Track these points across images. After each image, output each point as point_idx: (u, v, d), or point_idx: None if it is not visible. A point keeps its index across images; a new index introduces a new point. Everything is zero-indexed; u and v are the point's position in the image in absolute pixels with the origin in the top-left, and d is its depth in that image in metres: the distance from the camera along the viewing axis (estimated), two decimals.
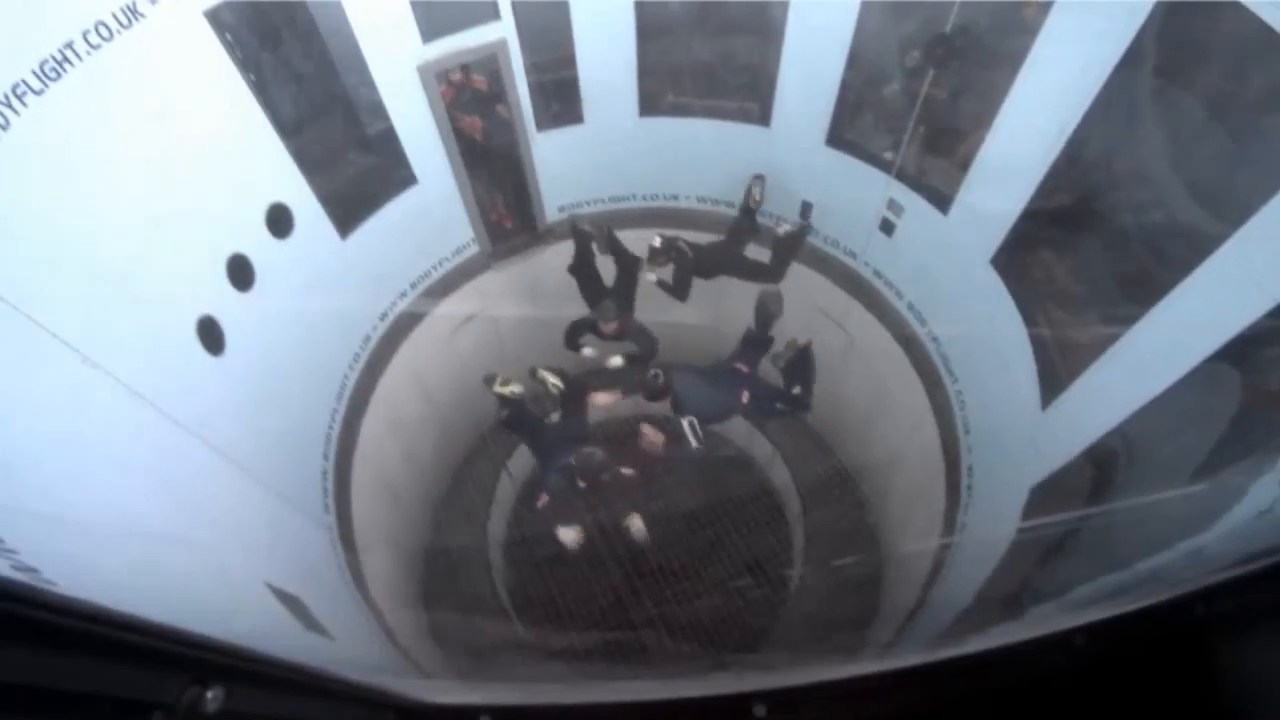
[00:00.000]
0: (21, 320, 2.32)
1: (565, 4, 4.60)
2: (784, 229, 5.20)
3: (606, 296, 5.07)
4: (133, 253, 2.96)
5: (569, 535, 4.73)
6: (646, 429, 4.73)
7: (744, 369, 4.89)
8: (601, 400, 4.93)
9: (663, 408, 4.77)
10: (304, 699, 1.31)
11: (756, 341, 5.01)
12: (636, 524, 4.77)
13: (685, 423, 4.43)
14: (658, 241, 5.04)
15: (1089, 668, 1.28)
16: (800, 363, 4.97)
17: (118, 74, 2.84)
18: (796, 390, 5.06)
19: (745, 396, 4.74)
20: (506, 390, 4.84)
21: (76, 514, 2.27)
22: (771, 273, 5.31)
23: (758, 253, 5.47)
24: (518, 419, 5.00)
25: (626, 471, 4.62)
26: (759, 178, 5.22)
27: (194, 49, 3.30)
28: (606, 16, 4.69)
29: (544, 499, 4.84)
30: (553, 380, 4.83)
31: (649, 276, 5.26)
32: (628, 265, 5.25)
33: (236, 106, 3.60)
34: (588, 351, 5.34)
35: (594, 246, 5.30)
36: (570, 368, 5.15)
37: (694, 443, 4.44)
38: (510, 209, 5.73)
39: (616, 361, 5.23)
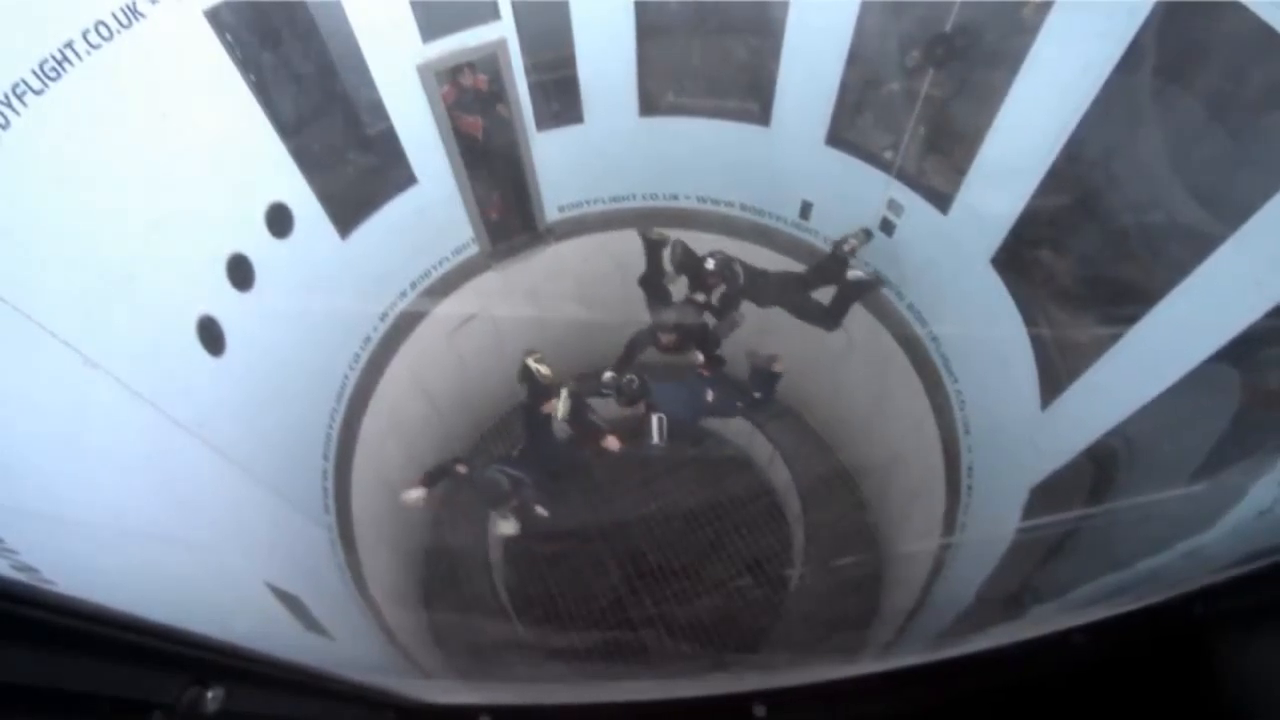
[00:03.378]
0: (21, 320, 2.32)
1: (565, 4, 4.59)
2: (854, 275, 4.91)
3: (672, 309, 5.00)
4: (133, 253, 2.96)
5: (506, 529, 4.83)
6: (609, 441, 4.74)
7: (704, 371, 5.13)
8: (610, 444, 4.83)
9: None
10: (304, 699, 1.31)
11: (713, 356, 5.22)
12: (508, 529, 4.82)
13: (654, 418, 4.54)
14: (712, 264, 4.79)
15: (1089, 668, 1.28)
16: (768, 377, 5.32)
17: (118, 74, 2.84)
18: (758, 395, 5.35)
19: (710, 395, 4.97)
20: (541, 368, 4.82)
21: (76, 514, 2.27)
22: (829, 319, 5.12)
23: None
24: (532, 402, 4.97)
25: (540, 511, 4.75)
26: (865, 231, 4.88)
27: (194, 49, 3.30)
28: (606, 16, 4.69)
29: (463, 469, 4.87)
30: (544, 370, 4.83)
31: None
32: (700, 280, 4.99)
33: (236, 106, 3.60)
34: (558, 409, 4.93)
35: (665, 256, 5.12)
36: (568, 369, 5.15)
37: (656, 438, 4.53)
38: (505, 204, 5.72)
39: (560, 405, 4.83)
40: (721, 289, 4.97)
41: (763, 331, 5.63)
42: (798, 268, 5.40)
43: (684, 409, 4.86)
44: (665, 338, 4.87)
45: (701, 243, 5.27)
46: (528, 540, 5.27)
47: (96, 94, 2.75)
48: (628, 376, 4.54)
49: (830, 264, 5.05)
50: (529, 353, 4.91)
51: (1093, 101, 3.32)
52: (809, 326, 5.25)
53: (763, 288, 5.04)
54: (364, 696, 1.45)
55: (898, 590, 5.38)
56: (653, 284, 5.34)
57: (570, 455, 5.13)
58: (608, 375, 4.67)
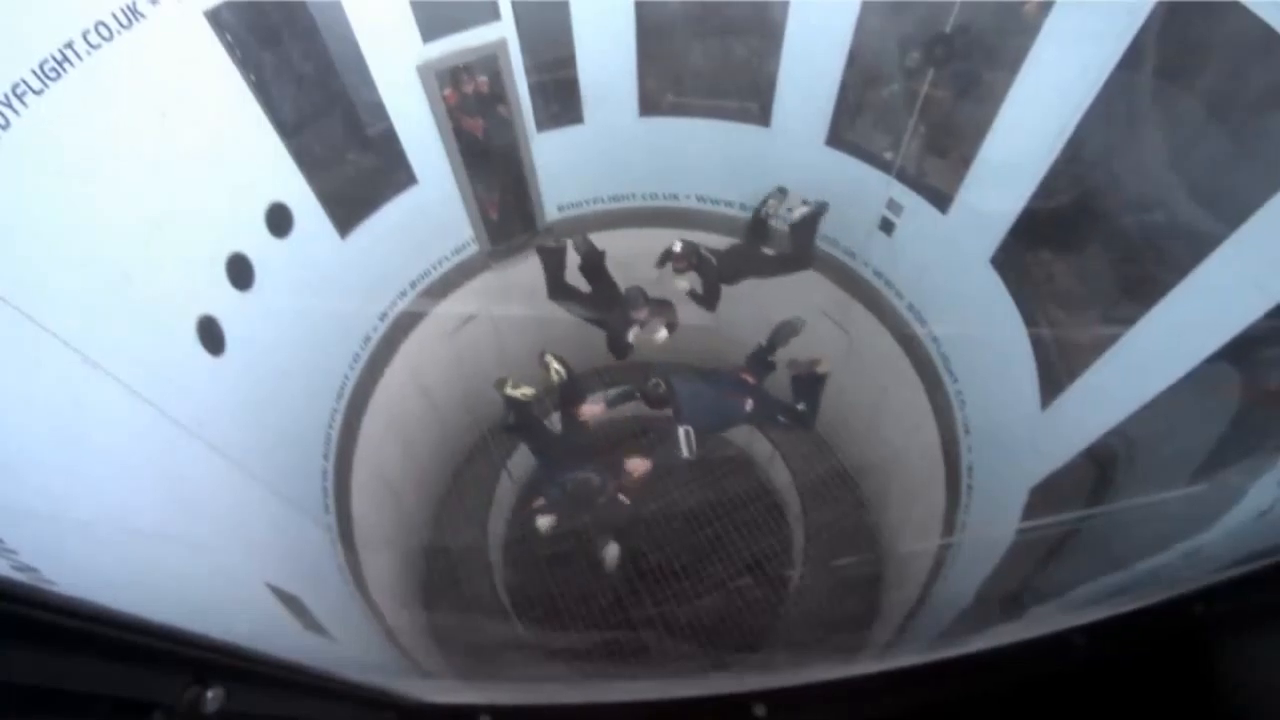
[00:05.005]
0: (21, 320, 2.32)
1: (565, 4, 4.59)
2: (799, 212, 4.96)
3: (617, 300, 4.96)
4: (133, 253, 2.96)
5: (544, 522, 4.75)
6: (632, 463, 4.57)
7: (750, 379, 4.84)
8: (587, 412, 4.83)
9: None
10: (304, 699, 1.31)
11: (763, 360, 4.99)
12: (611, 553, 4.76)
13: (681, 430, 4.34)
14: (679, 246, 4.84)
15: (1089, 668, 1.28)
16: (811, 383, 4.98)
17: (118, 74, 2.84)
18: (801, 407, 5.05)
19: (750, 405, 4.68)
20: (518, 393, 4.80)
21: (76, 514, 2.27)
22: (798, 261, 5.15)
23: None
24: (524, 423, 4.97)
25: (622, 499, 4.61)
26: (781, 191, 5.06)
27: (194, 49, 3.30)
28: (606, 16, 4.69)
29: (541, 501, 4.84)
30: (556, 366, 4.82)
31: (680, 284, 5.07)
32: (594, 263, 5.11)
33: (236, 106, 3.59)
34: (634, 334, 5.04)
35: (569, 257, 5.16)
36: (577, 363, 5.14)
37: (685, 452, 4.34)
38: (505, 204, 5.72)
39: (663, 335, 5.02)
40: (695, 277, 5.02)
41: (764, 331, 5.62)
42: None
43: (712, 415, 4.57)
44: (639, 313, 4.78)
45: (703, 243, 5.27)
46: (528, 540, 5.25)
47: (96, 94, 2.74)
48: (653, 381, 4.37)
49: (755, 225, 5.20)
50: (541, 354, 4.91)
51: (1093, 101, 3.32)
52: (811, 326, 5.24)
53: (722, 266, 5.06)
54: (364, 696, 1.45)
55: (898, 590, 5.38)
56: (562, 289, 5.31)
57: (581, 444, 5.03)
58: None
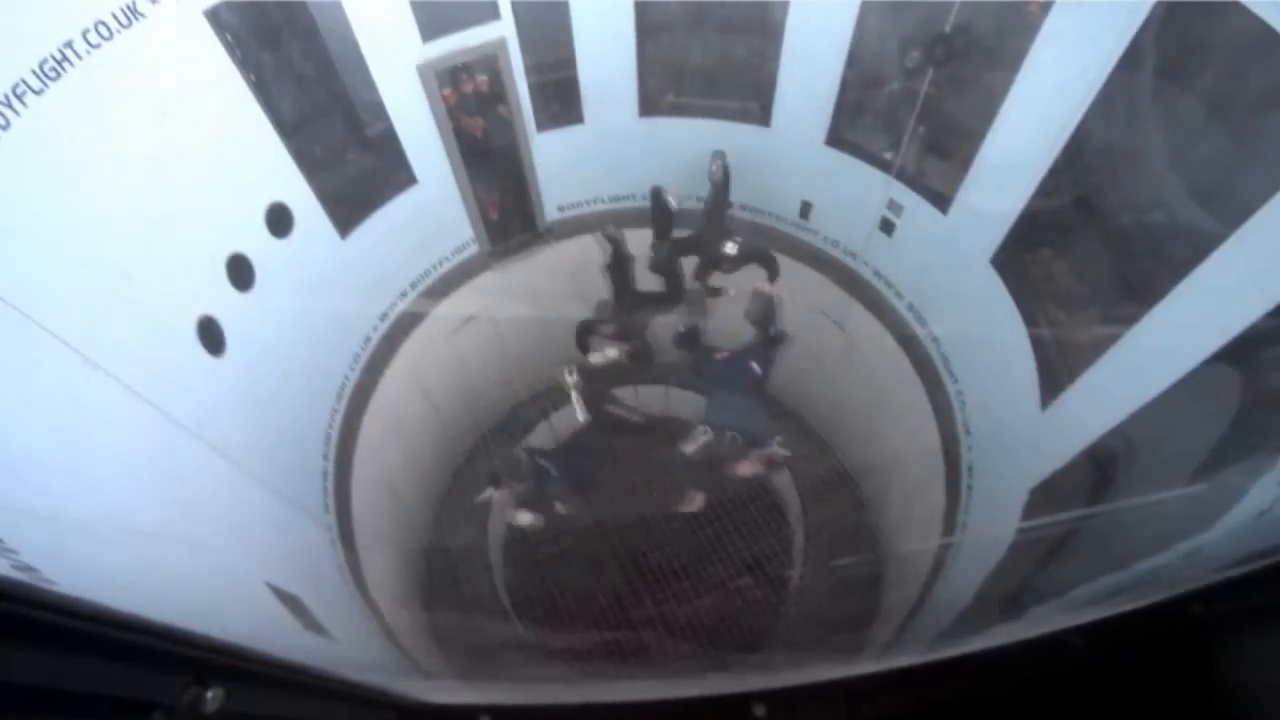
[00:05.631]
0: (21, 320, 2.32)
1: (565, 4, 4.59)
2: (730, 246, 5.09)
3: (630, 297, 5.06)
4: (133, 253, 2.96)
5: (524, 519, 4.78)
6: (743, 466, 4.56)
7: (757, 369, 4.83)
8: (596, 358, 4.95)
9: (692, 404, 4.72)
10: (304, 699, 1.31)
11: (765, 342, 4.97)
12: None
13: (700, 429, 4.39)
14: (733, 249, 4.97)
15: (1089, 668, 1.28)
16: (764, 308, 5.02)
17: (118, 74, 2.84)
18: (772, 330, 5.06)
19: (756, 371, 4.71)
20: (571, 380, 4.80)
21: (76, 513, 2.27)
22: (713, 231, 5.17)
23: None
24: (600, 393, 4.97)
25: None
26: (719, 153, 5.06)
27: (194, 49, 3.30)
28: (606, 16, 4.69)
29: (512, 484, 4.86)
30: (569, 379, 4.83)
31: (609, 353, 5.19)
32: (622, 265, 5.23)
33: (236, 106, 3.60)
34: (595, 356, 5.25)
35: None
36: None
37: (690, 448, 4.40)
38: (505, 204, 5.72)
39: (611, 353, 5.14)
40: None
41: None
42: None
43: (736, 425, 4.51)
44: (604, 328, 4.95)
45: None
46: (532, 539, 5.23)
47: (96, 94, 2.74)
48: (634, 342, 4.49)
49: (712, 195, 5.19)
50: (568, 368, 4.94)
51: (1093, 101, 3.32)
52: (811, 326, 5.26)
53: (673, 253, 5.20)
54: (364, 697, 1.45)
55: (898, 590, 5.38)
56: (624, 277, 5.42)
57: (600, 460, 5.08)
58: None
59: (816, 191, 5.28)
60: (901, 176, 4.68)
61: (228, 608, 2.65)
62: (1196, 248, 2.96)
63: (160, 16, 3.03)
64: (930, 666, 1.39)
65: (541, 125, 5.20)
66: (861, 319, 5.47)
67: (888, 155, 4.73)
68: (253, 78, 3.66)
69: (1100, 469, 3.63)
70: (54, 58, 2.56)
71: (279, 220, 3.98)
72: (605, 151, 5.47)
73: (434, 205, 5.12)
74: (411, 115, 4.57)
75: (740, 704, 1.23)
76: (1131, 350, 3.40)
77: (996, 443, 4.55)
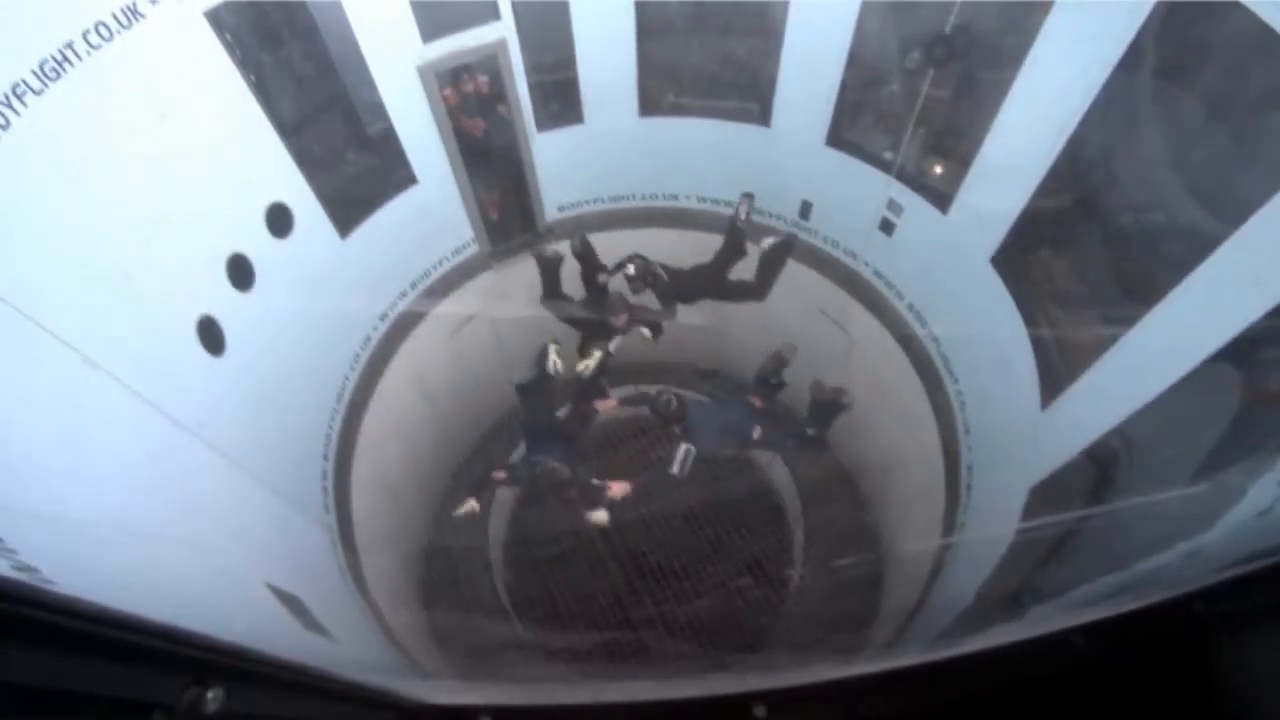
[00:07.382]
0: (21, 320, 2.32)
1: (565, 4, 4.59)
2: (768, 242, 4.88)
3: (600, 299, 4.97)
4: (133, 253, 2.96)
5: (464, 508, 4.74)
6: (616, 485, 4.54)
7: (756, 402, 4.81)
8: (600, 405, 4.89)
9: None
10: (304, 699, 1.31)
11: (768, 383, 4.95)
12: (600, 517, 4.72)
13: (682, 449, 4.31)
14: (632, 269, 4.82)
15: (1089, 668, 1.28)
16: (830, 410, 4.91)
17: (118, 74, 2.84)
18: (812, 431, 4.99)
19: (758, 433, 4.61)
20: (550, 360, 4.75)
21: (76, 513, 2.27)
22: (756, 291, 5.06)
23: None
24: (536, 389, 4.88)
25: (599, 516, 4.56)
26: (748, 196, 4.89)
27: (194, 49, 3.30)
28: (606, 16, 4.69)
29: (501, 474, 4.78)
30: (554, 359, 4.80)
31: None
32: (589, 264, 5.13)
33: (236, 106, 3.59)
34: (615, 343, 5.07)
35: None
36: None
37: (676, 469, 4.31)
38: (505, 204, 5.72)
39: (590, 364, 5.00)
40: (643, 292, 4.98)
41: (764, 331, 5.63)
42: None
43: (719, 442, 4.55)
44: (618, 319, 4.78)
45: (703, 243, 5.27)
46: (529, 541, 5.24)
47: (96, 94, 2.74)
48: (665, 396, 4.32)
49: (729, 238, 5.02)
50: (554, 340, 4.88)
51: (1093, 101, 3.32)
52: (810, 326, 5.24)
53: (680, 285, 5.01)
54: (364, 697, 1.45)
55: (898, 590, 5.38)
56: (556, 294, 5.26)
57: (572, 433, 5.03)
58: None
59: (816, 192, 5.28)
60: (901, 176, 4.68)
61: (228, 608, 2.65)
62: (1196, 248, 2.96)
63: (160, 17, 3.03)
64: (930, 666, 1.40)
65: (541, 125, 5.20)
66: (861, 319, 5.47)
67: (888, 155, 4.73)
68: (253, 78, 3.66)
69: (1100, 469, 3.63)
70: (54, 58, 2.56)
71: (279, 220, 3.98)
72: (605, 151, 5.47)
73: (434, 205, 5.12)
74: (411, 115, 4.57)
75: (740, 704, 1.23)
76: (1131, 350, 3.40)
77: (996, 442, 4.55)
